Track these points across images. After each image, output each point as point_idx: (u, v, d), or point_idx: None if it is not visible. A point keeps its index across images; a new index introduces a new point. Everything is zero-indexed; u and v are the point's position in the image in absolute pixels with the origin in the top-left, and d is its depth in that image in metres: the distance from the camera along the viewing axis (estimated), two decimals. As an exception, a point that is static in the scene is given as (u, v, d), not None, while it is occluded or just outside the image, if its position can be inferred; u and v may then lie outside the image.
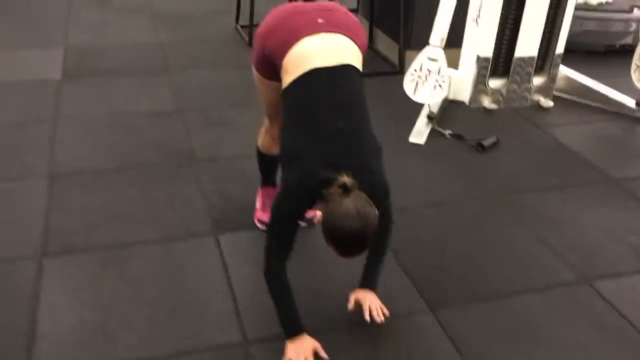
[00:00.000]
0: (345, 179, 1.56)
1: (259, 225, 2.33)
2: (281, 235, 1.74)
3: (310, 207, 1.71)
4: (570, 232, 2.39)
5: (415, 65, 2.96)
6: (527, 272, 2.17)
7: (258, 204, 2.36)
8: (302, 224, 2.06)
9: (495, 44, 3.21)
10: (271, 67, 1.83)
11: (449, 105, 3.32)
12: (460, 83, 3.32)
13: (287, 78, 1.75)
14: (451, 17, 2.93)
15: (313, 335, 1.77)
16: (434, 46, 2.93)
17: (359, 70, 1.79)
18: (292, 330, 1.76)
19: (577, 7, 3.42)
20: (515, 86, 3.34)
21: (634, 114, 3.32)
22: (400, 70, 3.72)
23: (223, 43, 4.11)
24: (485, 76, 3.26)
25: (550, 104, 3.40)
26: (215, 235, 2.29)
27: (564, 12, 3.24)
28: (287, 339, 1.76)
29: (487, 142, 2.94)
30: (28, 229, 2.27)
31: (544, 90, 3.40)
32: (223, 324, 1.90)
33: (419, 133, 3.03)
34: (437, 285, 2.08)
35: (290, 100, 1.77)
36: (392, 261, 2.17)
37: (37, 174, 2.60)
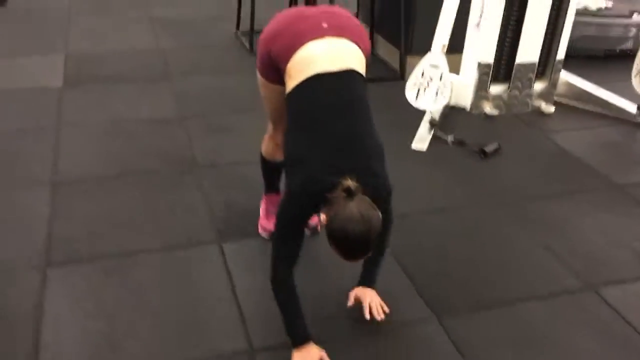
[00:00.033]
0: (349, 182, 1.56)
1: (262, 233, 2.32)
2: (287, 241, 1.74)
3: (315, 212, 1.71)
4: (574, 238, 2.39)
5: (417, 71, 2.96)
6: (531, 278, 2.17)
7: (262, 212, 2.36)
8: (307, 232, 2.07)
9: (496, 49, 3.21)
10: (276, 71, 1.83)
11: (450, 111, 3.32)
12: (461, 89, 3.31)
13: (291, 82, 1.76)
14: (452, 23, 2.93)
15: (317, 342, 1.76)
16: (435, 53, 2.93)
17: (362, 74, 1.80)
18: (299, 339, 1.76)
19: (577, 13, 3.42)
20: (517, 92, 3.33)
21: (635, 119, 3.32)
22: (401, 76, 3.73)
23: (224, 49, 4.11)
24: (486, 82, 3.26)
25: (552, 109, 3.39)
26: (219, 243, 2.28)
27: (564, 18, 3.24)
28: (294, 347, 1.76)
29: (489, 148, 2.94)
30: (31, 238, 2.26)
31: (545, 95, 3.39)
32: (229, 332, 1.90)
33: (421, 139, 3.03)
34: (441, 292, 2.08)
35: (293, 104, 1.78)
36: (395, 267, 2.17)
37: (40, 182, 2.60)
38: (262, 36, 1.87)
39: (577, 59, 3.85)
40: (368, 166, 1.69)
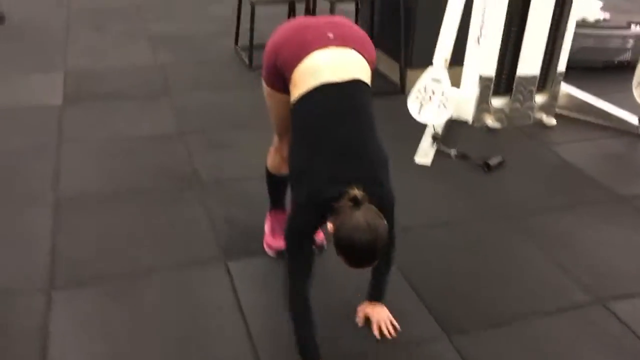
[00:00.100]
0: (356, 192, 1.58)
1: (268, 251, 2.30)
2: (298, 255, 1.75)
3: (323, 222, 1.71)
4: (580, 251, 2.38)
5: (419, 86, 2.96)
6: (539, 293, 2.15)
7: (267, 229, 2.34)
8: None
9: (497, 63, 3.21)
10: (281, 80, 1.83)
11: (452, 125, 3.32)
12: (462, 102, 3.31)
13: (296, 91, 1.76)
14: (454, 38, 2.94)
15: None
16: (437, 67, 2.93)
17: (367, 84, 1.80)
18: (309, 358, 1.74)
19: (575, 25, 3.44)
20: (518, 105, 3.34)
21: (636, 131, 3.33)
22: (401, 90, 3.73)
23: (223, 65, 4.11)
24: (488, 95, 3.26)
25: (553, 121, 3.39)
26: (225, 262, 2.26)
27: (564, 30, 3.25)
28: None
29: (493, 162, 2.93)
30: (35, 259, 2.23)
31: (546, 108, 3.40)
32: (237, 353, 1.87)
33: (425, 153, 3.02)
34: (450, 309, 2.06)
35: (298, 114, 1.78)
36: (402, 284, 2.16)
37: (41, 201, 2.57)
38: (268, 45, 1.87)
39: (576, 71, 3.86)
40: (374, 176, 1.70)
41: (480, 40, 3.15)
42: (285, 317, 1.79)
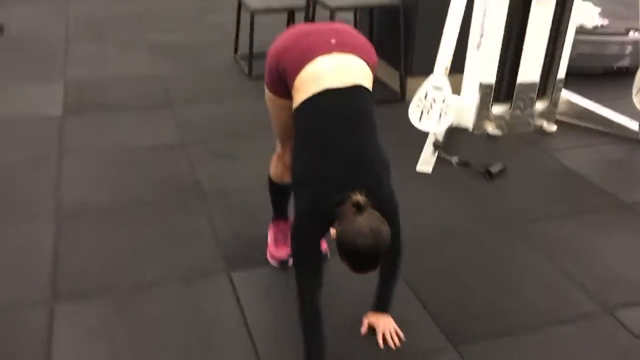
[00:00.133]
0: (359, 197, 1.58)
1: (271, 261, 2.29)
2: (307, 265, 1.75)
3: (328, 228, 1.71)
4: (586, 259, 2.37)
5: (419, 94, 2.96)
6: (546, 303, 2.14)
7: (270, 239, 2.33)
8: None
9: (497, 70, 3.22)
10: (284, 85, 1.84)
11: (453, 132, 3.32)
12: (463, 110, 3.31)
13: (299, 97, 1.76)
14: (454, 46, 2.94)
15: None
16: (438, 74, 2.93)
17: (369, 90, 1.81)
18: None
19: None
20: (519, 112, 3.34)
21: (637, 137, 3.33)
22: (401, 98, 3.73)
23: (223, 74, 4.11)
24: (488, 102, 3.27)
25: (554, 128, 3.41)
26: (228, 272, 2.25)
27: (564, 37, 3.26)
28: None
29: (494, 169, 2.93)
30: (37, 272, 2.22)
31: (546, 115, 3.40)
32: (242, 367, 1.86)
33: (426, 161, 3.02)
34: (456, 319, 2.05)
35: (301, 120, 1.78)
36: (407, 293, 2.15)
37: (43, 214, 2.56)
38: (271, 51, 1.88)
39: (575, 77, 3.86)
40: (376, 181, 1.71)
41: (480, 47, 3.16)
42: (290, 327, 1.78)
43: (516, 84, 3.26)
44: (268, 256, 2.30)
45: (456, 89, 3.32)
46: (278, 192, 2.26)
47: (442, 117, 2.93)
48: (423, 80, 2.97)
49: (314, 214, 1.70)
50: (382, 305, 1.95)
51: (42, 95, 3.69)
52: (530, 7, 3.09)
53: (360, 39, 1.90)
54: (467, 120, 3.34)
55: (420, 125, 2.97)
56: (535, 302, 2.14)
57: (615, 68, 4.12)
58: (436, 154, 3.07)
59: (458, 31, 2.93)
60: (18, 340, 1.92)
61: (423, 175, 2.96)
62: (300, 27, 1.92)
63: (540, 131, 3.39)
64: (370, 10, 3.94)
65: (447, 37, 2.94)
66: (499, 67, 3.20)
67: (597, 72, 4.09)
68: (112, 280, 2.20)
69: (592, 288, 2.21)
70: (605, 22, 4.18)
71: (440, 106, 2.93)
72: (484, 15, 3.04)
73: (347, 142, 1.71)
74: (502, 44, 3.15)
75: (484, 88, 3.21)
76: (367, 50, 1.87)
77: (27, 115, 3.44)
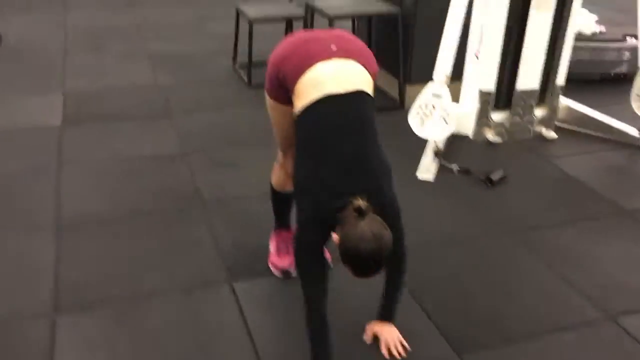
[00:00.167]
0: (360, 202, 1.59)
1: (274, 270, 2.28)
2: (312, 272, 1.76)
3: (330, 234, 1.71)
4: (588, 266, 2.37)
5: (419, 101, 2.96)
6: (549, 310, 2.14)
7: (272, 248, 2.32)
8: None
9: (497, 77, 3.23)
10: (285, 92, 1.85)
11: (453, 139, 3.33)
12: (462, 117, 3.32)
13: (300, 103, 1.77)
14: (454, 53, 2.95)
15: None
16: (438, 82, 2.94)
17: (370, 95, 1.82)
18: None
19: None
20: (518, 119, 3.35)
21: (637, 143, 3.34)
22: (400, 105, 3.74)
23: (222, 83, 4.11)
24: (487, 110, 3.27)
25: (553, 135, 3.41)
26: (230, 283, 2.24)
27: (563, 44, 3.27)
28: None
29: (495, 177, 2.93)
30: (38, 284, 2.21)
31: (546, 121, 3.42)
32: (245, 378, 1.85)
33: (427, 169, 3.02)
34: (460, 328, 2.04)
35: (302, 126, 1.79)
36: (410, 302, 2.14)
37: (43, 225, 2.55)
38: (272, 58, 1.88)
39: (573, 84, 3.88)
40: (378, 186, 1.72)
41: (480, 54, 3.17)
42: (294, 337, 1.77)
43: (515, 91, 3.28)
44: (270, 266, 2.30)
45: (454, 96, 3.33)
46: (280, 201, 2.26)
47: (442, 124, 2.94)
48: (422, 88, 2.98)
49: (315, 220, 1.71)
50: (387, 314, 1.95)
51: (41, 106, 3.68)
52: (529, 14, 3.11)
53: (361, 45, 1.91)
54: (467, 127, 3.35)
55: (421, 133, 2.97)
56: (537, 309, 2.14)
57: (612, 74, 4.13)
58: (437, 162, 3.08)
59: (458, 39, 2.94)
60: (20, 352, 1.91)
61: (423, 182, 2.96)
62: (300, 34, 1.93)
63: (540, 138, 3.40)
64: (368, 18, 3.95)
65: (447, 44, 2.95)
66: (498, 74, 3.22)
67: (594, 78, 4.10)
68: (112, 290, 2.19)
69: (594, 295, 2.20)
70: (603, 28, 4.20)
71: (440, 114, 2.93)
72: (483, 22, 3.05)
73: (347, 148, 1.72)
74: (501, 51, 3.16)
75: (483, 95, 3.22)
76: (367, 56, 1.88)
77: (26, 126, 3.43)
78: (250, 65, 4.01)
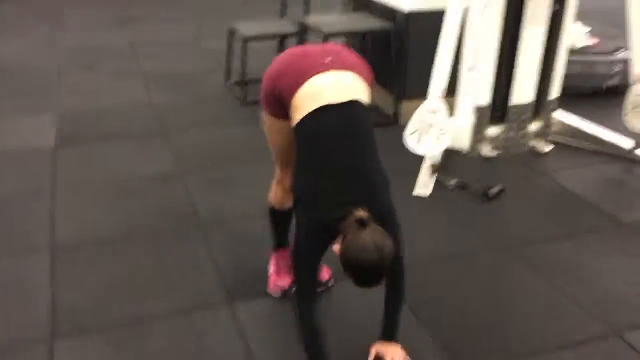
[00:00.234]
0: (362, 213, 1.61)
1: (273, 291, 2.26)
2: (307, 277, 1.78)
3: (329, 244, 1.73)
4: (590, 281, 2.36)
5: (416, 117, 2.97)
6: (553, 327, 2.13)
7: (272, 269, 2.30)
8: (319, 288, 2.03)
9: (491, 92, 3.25)
10: (281, 106, 1.85)
11: (448, 154, 3.33)
12: (458, 132, 3.34)
13: (297, 115, 1.78)
14: (450, 69, 2.96)
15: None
16: (433, 98, 2.95)
17: (366, 106, 1.83)
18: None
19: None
20: (513, 133, 3.37)
21: (630, 155, 3.35)
22: (395, 121, 3.75)
23: (216, 101, 4.11)
24: (482, 124, 3.29)
25: (548, 148, 3.43)
26: (230, 304, 2.22)
27: (556, 58, 3.31)
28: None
29: (492, 192, 2.93)
30: (35, 309, 2.18)
31: (541, 135, 3.44)
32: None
33: (423, 185, 3.02)
34: (464, 346, 2.03)
35: (301, 137, 1.80)
36: (412, 320, 2.12)
37: (38, 248, 2.52)
38: (267, 74, 1.90)
39: (566, 97, 3.91)
40: (374, 197, 1.73)
41: (474, 70, 3.19)
42: (294, 357, 1.75)
43: (510, 105, 3.30)
44: (270, 286, 2.27)
45: (450, 111, 3.34)
46: (279, 219, 2.24)
47: (439, 140, 2.94)
48: (416, 104, 2.98)
49: (315, 232, 1.73)
50: (389, 334, 1.93)
51: (34, 127, 3.66)
52: (521, 28, 3.14)
53: (356, 58, 1.93)
54: (462, 142, 3.36)
55: (418, 149, 2.97)
56: (542, 326, 2.12)
57: (604, 87, 4.16)
58: (433, 177, 3.07)
59: (453, 54, 2.96)
60: (17, 380, 1.88)
61: (420, 198, 2.95)
62: (295, 50, 1.95)
63: (535, 151, 3.41)
64: (362, 35, 3.97)
65: (441, 60, 2.97)
66: (492, 89, 3.24)
67: (586, 92, 4.12)
68: (110, 314, 2.16)
69: (597, 310, 2.20)
70: (595, 41, 4.24)
71: (437, 129, 2.94)
72: (477, 37, 3.08)
73: (345, 159, 1.74)
74: (495, 66, 3.19)
75: (478, 110, 3.24)
76: (363, 67, 1.90)
77: (19, 148, 3.41)
78: (244, 82, 4.01)
